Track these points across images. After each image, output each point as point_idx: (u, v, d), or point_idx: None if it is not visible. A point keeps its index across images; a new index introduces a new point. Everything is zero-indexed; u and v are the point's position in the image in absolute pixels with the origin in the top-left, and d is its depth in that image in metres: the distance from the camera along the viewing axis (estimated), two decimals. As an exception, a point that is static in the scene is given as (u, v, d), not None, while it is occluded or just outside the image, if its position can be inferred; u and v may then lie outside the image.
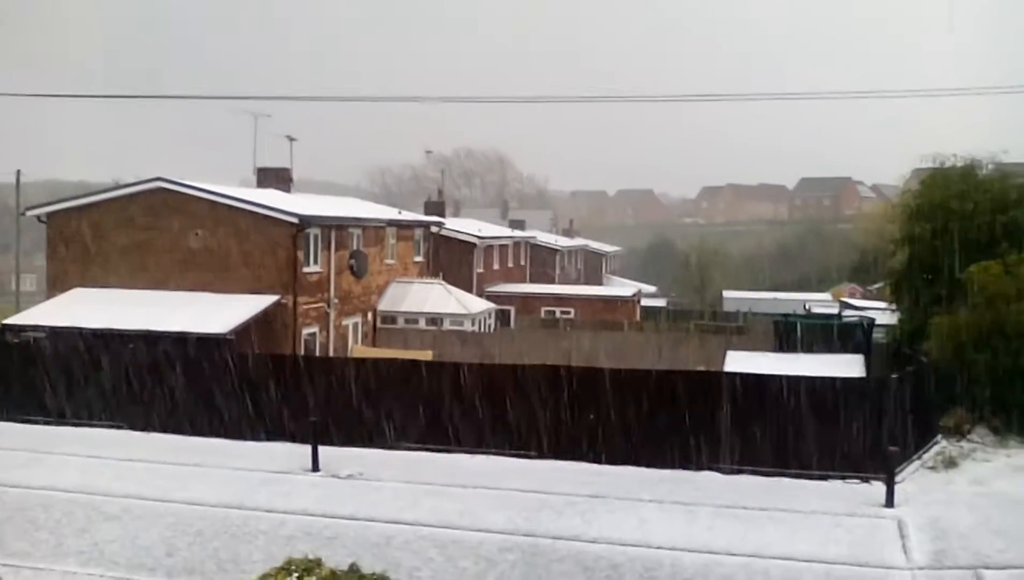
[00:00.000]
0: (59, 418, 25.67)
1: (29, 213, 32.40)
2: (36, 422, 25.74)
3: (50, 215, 31.37)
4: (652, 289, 65.48)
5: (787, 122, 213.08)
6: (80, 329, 26.96)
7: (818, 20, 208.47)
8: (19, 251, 45.79)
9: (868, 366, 27.21)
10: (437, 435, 23.12)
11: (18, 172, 44.76)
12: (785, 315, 42.14)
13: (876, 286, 53.21)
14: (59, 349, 26.18)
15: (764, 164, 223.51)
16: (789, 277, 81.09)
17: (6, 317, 29.61)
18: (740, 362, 26.37)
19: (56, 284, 31.06)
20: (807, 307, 49.58)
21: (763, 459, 21.00)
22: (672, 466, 21.37)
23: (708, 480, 20.63)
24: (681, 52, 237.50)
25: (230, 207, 29.58)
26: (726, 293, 64.05)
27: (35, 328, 28.04)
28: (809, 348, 32.93)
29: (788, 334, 35.43)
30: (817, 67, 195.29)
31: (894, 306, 30.82)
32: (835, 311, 45.11)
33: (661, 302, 59.60)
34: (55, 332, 27.29)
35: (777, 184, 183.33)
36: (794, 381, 21.27)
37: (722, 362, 27.63)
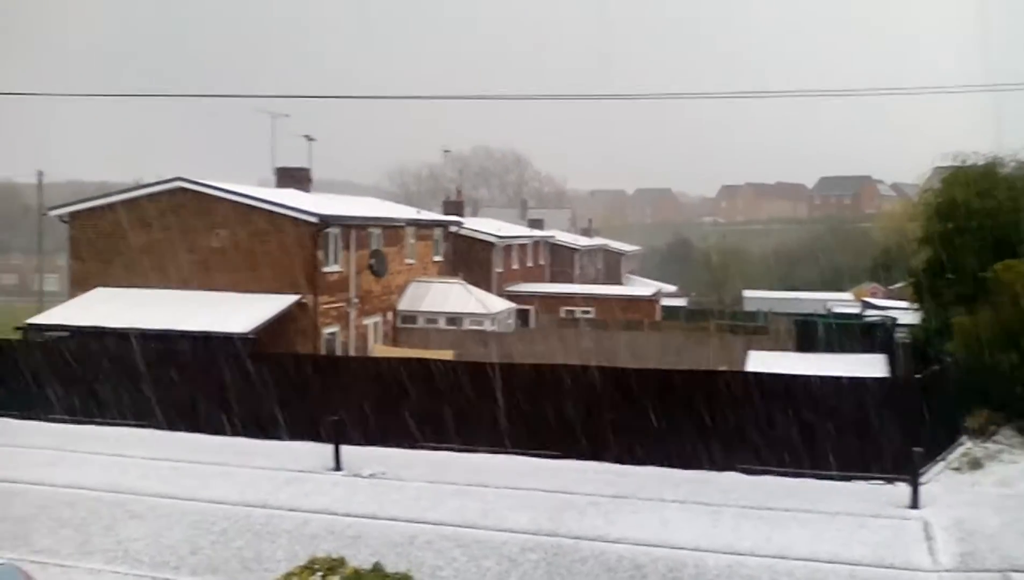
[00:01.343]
0: (83, 417, 25.83)
1: (51, 213, 32.59)
2: (61, 421, 25.90)
3: (72, 215, 31.54)
4: (672, 288, 65.28)
5: (806, 121, 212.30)
6: (103, 329, 27.11)
7: (836, 18, 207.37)
8: (42, 251, 46.05)
9: (891, 366, 27.01)
10: (459, 435, 23.12)
11: (40, 173, 45.22)
12: (806, 315, 41.99)
13: (898, 285, 52.83)
14: (82, 348, 26.34)
15: (783, 163, 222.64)
16: (810, 276, 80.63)
17: (30, 317, 29.75)
18: (762, 362, 26.24)
19: (78, 284, 31.23)
20: (828, 307, 49.31)
21: (787, 460, 20.88)
22: (695, 467, 21.29)
23: (731, 481, 20.54)
24: (699, 50, 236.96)
25: (250, 207, 29.65)
26: (746, 293, 63.83)
27: (58, 328, 28.21)
28: (831, 348, 32.75)
29: (810, 334, 35.26)
30: (836, 65, 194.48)
31: (916, 305, 30.58)
32: (857, 311, 44.90)
33: (681, 302, 59.35)
34: (78, 332, 27.45)
35: (796, 183, 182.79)
36: (816, 381, 21.16)
37: (744, 362, 27.51)
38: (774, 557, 15.78)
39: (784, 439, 20.96)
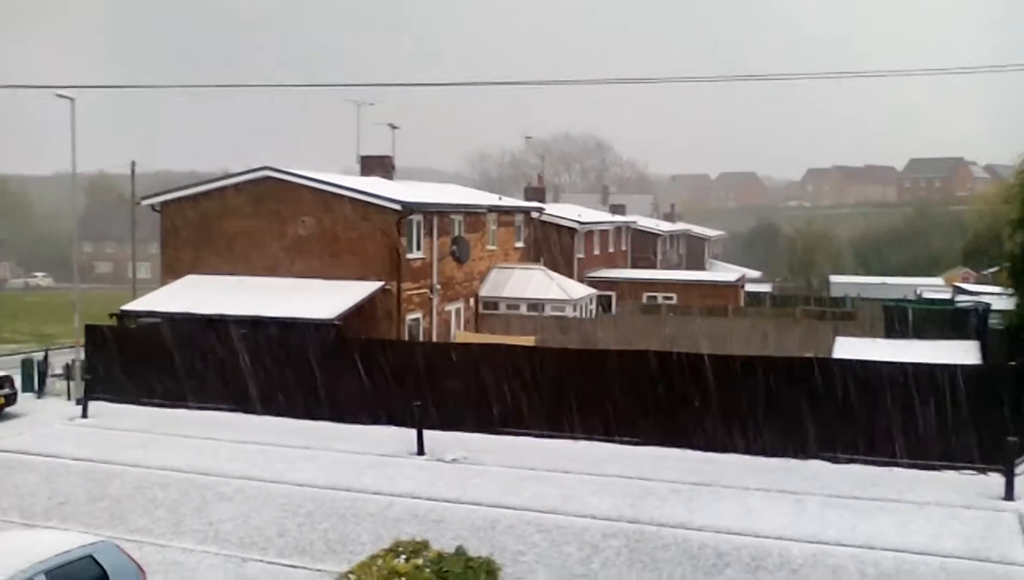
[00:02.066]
0: (175, 401, 26.57)
1: (144, 203, 33.42)
2: (153, 404, 26.70)
3: (163, 205, 32.33)
4: (756, 274, 64.35)
5: (894, 102, 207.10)
6: (193, 315, 27.76)
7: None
8: (135, 239, 47.32)
9: (984, 353, 26.22)
10: (540, 420, 23.19)
11: (133, 163, 46.32)
12: (895, 300, 41.02)
13: (991, 270, 51.25)
14: (174, 334, 27.06)
15: (871, 145, 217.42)
16: (899, 261, 78.71)
17: (124, 304, 30.59)
18: (849, 348, 25.72)
19: (169, 271, 32.02)
20: (918, 292, 48.12)
21: (874, 448, 20.50)
22: (779, 454, 21.04)
23: (817, 469, 20.23)
24: (784, 32, 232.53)
25: (335, 195, 30.02)
26: (833, 278, 62.63)
27: (151, 314, 28.97)
28: (921, 334, 31.92)
29: (899, 320, 34.42)
30: (926, 44, 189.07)
31: (1011, 290, 29.61)
32: (948, 296, 43.70)
33: (766, 287, 58.48)
34: (170, 318, 28.15)
35: (885, 165, 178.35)
36: (906, 368, 20.68)
37: (830, 348, 27.01)
38: (860, 547, 15.52)
39: (871, 427, 20.58)
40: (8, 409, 26.02)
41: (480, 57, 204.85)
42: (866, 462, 20.42)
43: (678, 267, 59.94)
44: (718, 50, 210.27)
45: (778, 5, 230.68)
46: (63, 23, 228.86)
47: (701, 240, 68.88)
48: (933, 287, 52.17)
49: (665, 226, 63.01)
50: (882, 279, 59.32)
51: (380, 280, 29.20)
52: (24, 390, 28.20)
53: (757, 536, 16.08)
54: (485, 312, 36.03)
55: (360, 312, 28.14)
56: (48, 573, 9.89)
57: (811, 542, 15.77)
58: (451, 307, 33.82)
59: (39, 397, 28.81)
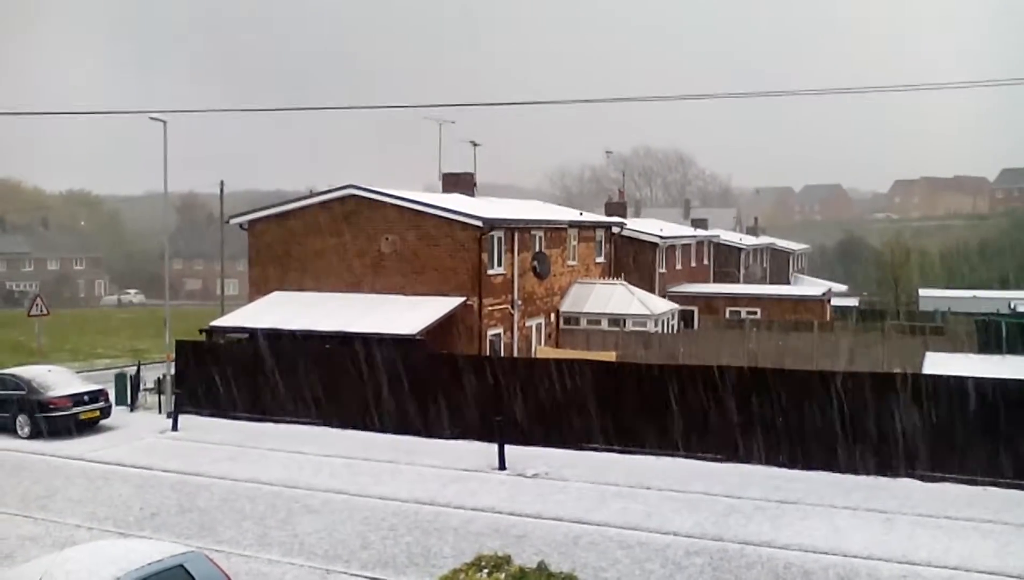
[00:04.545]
0: (262, 415, 27.10)
1: (232, 221, 34.20)
2: (241, 418, 27.27)
3: (251, 223, 33.06)
4: (843, 288, 63.06)
5: (984, 111, 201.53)
6: (279, 330, 28.31)
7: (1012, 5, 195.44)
8: (223, 257, 48.44)
9: (1084, 369, 25.33)
10: (622, 436, 23.07)
11: (221, 183, 47.40)
12: (988, 314, 39.85)
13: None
14: (261, 349, 27.60)
15: (961, 156, 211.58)
16: (991, 274, 76.52)
17: (212, 320, 31.31)
18: (940, 364, 25.09)
19: (256, 288, 32.72)
20: (1012, 306, 46.66)
21: (968, 467, 19.90)
22: (867, 472, 20.59)
23: (906, 487, 19.74)
24: (870, 44, 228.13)
25: (418, 212, 30.38)
26: (922, 291, 61.09)
27: (239, 330, 29.62)
28: (1015, 349, 31.02)
29: (992, 334, 33.46)
30: (1014, 52, 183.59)
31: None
32: (1045, 310, 42.32)
33: (852, 301, 57.29)
34: (256, 333, 28.73)
35: (976, 176, 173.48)
36: (1000, 385, 20.07)
37: (920, 364, 26.37)
38: (953, 568, 15.07)
39: (963, 445, 20.00)
40: (103, 422, 26.84)
41: (558, 74, 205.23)
42: (958, 481, 19.85)
43: (762, 281, 59.10)
44: (799, 60, 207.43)
45: (860, 22, 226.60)
46: (152, 49, 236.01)
47: (785, 254, 67.84)
48: (1029, 301, 50.53)
49: (748, 240, 62.24)
50: (973, 292, 57.68)
51: (462, 296, 29.42)
52: (118, 403, 29.09)
53: (845, 555, 15.73)
54: (566, 327, 36.00)
55: (442, 328, 28.37)
56: (141, 581, 10.14)
57: (901, 562, 15.37)
58: (532, 322, 33.88)
59: (132, 410, 29.66)
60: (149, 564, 10.47)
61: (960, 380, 20.52)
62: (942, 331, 35.84)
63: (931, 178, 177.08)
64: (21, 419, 25.68)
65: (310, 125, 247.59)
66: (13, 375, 26.55)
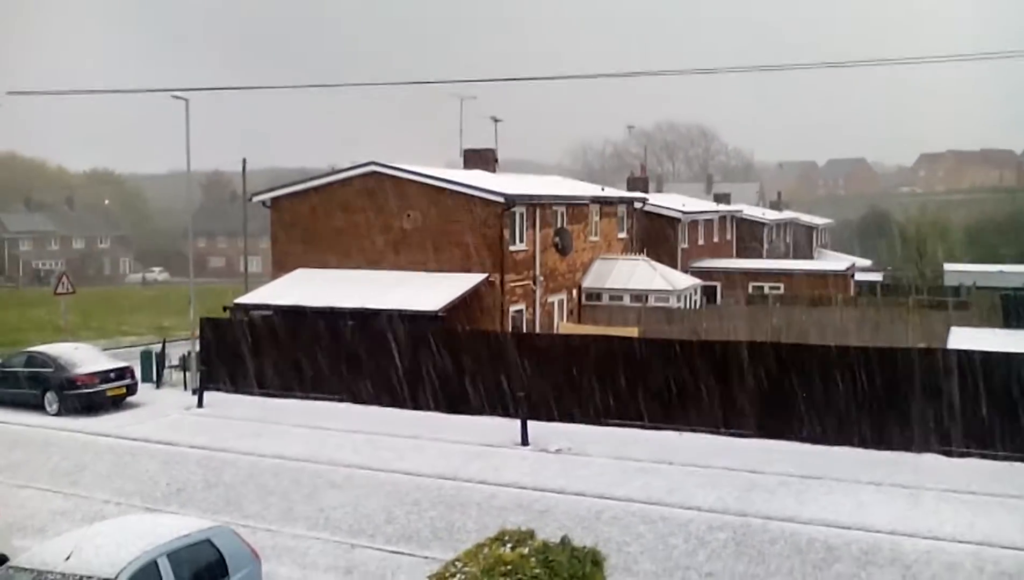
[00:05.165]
0: (285, 391, 27.28)
1: (255, 199, 34.28)
2: (265, 394, 27.46)
3: (273, 200, 33.14)
4: (867, 263, 62.73)
5: (1014, 82, 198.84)
6: (302, 307, 28.44)
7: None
8: (247, 235, 48.60)
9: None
10: (644, 412, 23.08)
11: (244, 160, 47.46)
12: (1015, 289, 39.54)
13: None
14: (284, 326, 27.77)
15: (988, 129, 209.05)
16: (1018, 248, 75.72)
17: (236, 297, 31.46)
18: (965, 339, 24.89)
19: (279, 265, 32.84)
20: (1039, 280, 46.20)
21: (993, 442, 19.81)
22: (891, 447, 20.52)
23: (931, 463, 19.67)
24: (891, 15, 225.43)
25: (439, 188, 30.37)
26: (947, 266, 60.55)
27: (262, 307, 29.77)
28: (1042, 324, 30.78)
29: (1018, 309, 33.21)
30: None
31: None
32: (1072, 284, 41.91)
33: (876, 276, 56.93)
34: (280, 310, 28.89)
35: (1003, 149, 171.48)
36: (1026, 359, 19.93)
37: (945, 339, 26.20)
38: (978, 544, 15.03)
39: (989, 420, 19.89)
40: (129, 399, 27.10)
41: (580, 50, 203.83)
42: (983, 456, 19.76)
43: (785, 256, 58.83)
44: (826, 29, 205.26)
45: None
46: (174, 28, 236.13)
47: (809, 229, 67.47)
48: (1056, 275, 50.02)
49: (771, 215, 61.89)
50: (999, 267, 57.16)
51: (484, 272, 29.43)
52: (143, 380, 29.34)
53: (868, 530, 15.72)
54: (588, 303, 35.97)
55: (464, 304, 28.41)
56: (170, 555, 10.28)
57: (926, 537, 15.34)
58: (554, 298, 33.87)
59: (157, 387, 29.92)
60: (177, 539, 10.60)
61: (985, 355, 20.39)
62: (967, 306, 35.58)
63: (957, 151, 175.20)
64: (49, 396, 25.98)
65: (334, 103, 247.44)
66: (41, 353, 26.84)
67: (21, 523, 16.21)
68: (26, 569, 9.90)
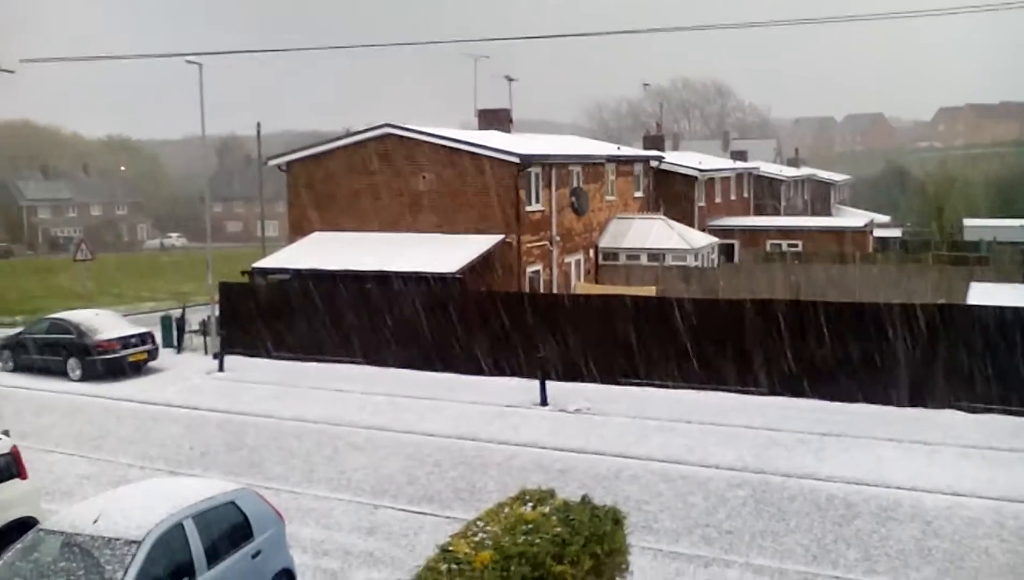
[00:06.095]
0: (305, 354, 27.43)
1: (271, 163, 34.26)
2: (285, 358, 27.64)
3: (289, 164, 33.12)
4: (885, 219, 62.23)
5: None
6: (320, 270, 28.52)
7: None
8: (263, 199, 48.62)
9: None
10: (662, 371, 23.13)
11: (258, 124, 47.31)
12: (1035, 244, 39.24)
13: None
14: (303, 290, 27.86)
15: (1008, 81, 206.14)
16: (1039, 203, 74.95)
17: (254, 262, 31.56)
18: (985, 294, 24.75)
19: (296, 229, 32.89)
20: (1060, 234, 45.83)
21: (1012, 398, 19.79)
22: (910, 404, 20.53)
23: (950, 419, 19.66)
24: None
25: (455, 149, 30.27)
26: (967, 221, 60.10)
27: (280, 271, 29.87)
28: (1063, 279, 30.53)
29: (1038, 264, 32.97)
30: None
31: None
32: (1093, 238, 41.56)
33: (895, 232, 56.57)
34: (298, 274, 28.98)
35: (1023, 102, 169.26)
36: (1047, 314, 19.82)
37: (964, 295, 26.07)
38: (998, 499, 15.06)
39: (1008, 376, 19.85)
40: (150, 364, 27.33)
41: (596, 5, 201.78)
42: (1004, 412, 19.74)
43: (803, 213, 58.50)
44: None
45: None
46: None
47: (827, 185, 66.96)
48: (1077, 229, 49.55)
49: (789, 171, 61.44)
50: (1020, 221, 56.69)
51: (500, 233, 29.40)
52: (164, 345, 29.58)
53: (888, 487, 15.76)
54: (605, 263, 35.92)
55: (481, 265, 28.43)
56: (195, 518, 10.40)
57: (945, 493, 15.37)
58: (571, 259, 33.83)
59: (178, 352, 30.15)
60: (202, 501, 10.71)
61: (1005, 310, 20.30)
62: (987, 261, 35.35)
63: (976, 105, 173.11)
64: (72, 362, 26.22)
65: (347, 64, 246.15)
66: (62, 319, 27.06)
67: (49, 487, 16.42)
68: (56, 532, 10.05)
